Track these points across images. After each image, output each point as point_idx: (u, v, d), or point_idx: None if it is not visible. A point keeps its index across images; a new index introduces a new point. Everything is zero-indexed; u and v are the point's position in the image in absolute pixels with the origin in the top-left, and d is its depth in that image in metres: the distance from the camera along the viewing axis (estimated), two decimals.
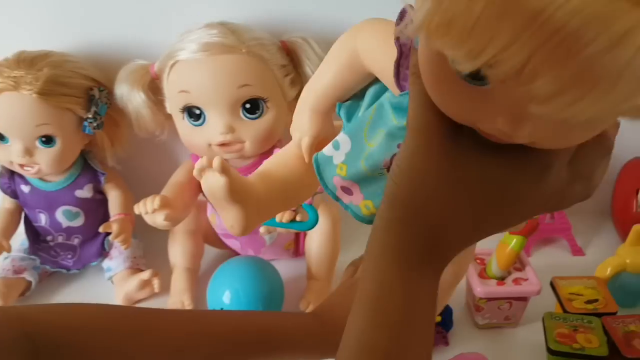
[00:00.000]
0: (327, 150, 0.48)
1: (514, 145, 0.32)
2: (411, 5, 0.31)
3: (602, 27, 0.23)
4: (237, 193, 0.46)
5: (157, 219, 0.77)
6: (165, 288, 0.89)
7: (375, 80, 0.46)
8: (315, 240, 0.89)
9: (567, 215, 0.99)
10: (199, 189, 0.88)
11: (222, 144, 0.80)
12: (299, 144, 0.51)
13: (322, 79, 0.48)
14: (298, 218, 0.74)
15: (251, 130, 0.80)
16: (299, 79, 0.83)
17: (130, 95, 0.82)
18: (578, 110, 0.26)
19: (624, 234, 0.95)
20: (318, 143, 0.50)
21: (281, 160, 0.54)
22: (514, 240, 0.78)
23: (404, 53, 0.39)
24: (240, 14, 0.83)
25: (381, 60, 0.42)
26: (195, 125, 0.80)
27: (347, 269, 0.68)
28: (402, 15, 0.37)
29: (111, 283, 0.93)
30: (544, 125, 0.29)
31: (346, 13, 0.86)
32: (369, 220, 0.47)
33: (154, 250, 0.97)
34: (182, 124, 0.81)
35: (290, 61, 0.83)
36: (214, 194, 0.47)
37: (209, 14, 0.80)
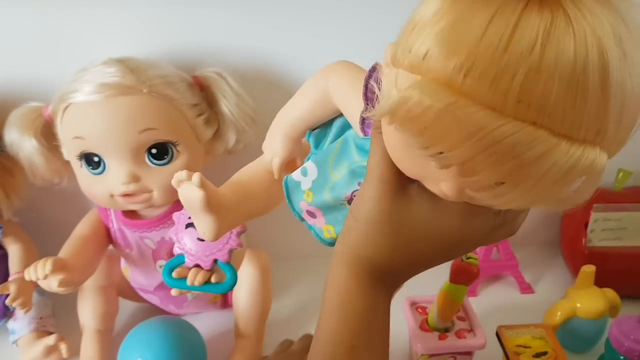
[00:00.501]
0: (296, 175, 0.54)
1: None
2: (380, 65, 0.40)
3: (526, 148, 0.30)
4: (212, 205, 0.51)
5: (52, 285, 0.67)
6: (77, 351, 0.80)
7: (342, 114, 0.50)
8: (243, 292, 0.81)
9: (514, 250, 0.93)
10: (106, 240, 0.79)
11: (126, 195, 0.70)
12: (270, 162, 0.57)
13: (296, 110, 0.54)
14: (213, 279, 0.66)
15: (159, 177, 0.71)
16: (215, 117, 0.75)
17: (21, 142, 0.72)
18: (504, 201, 0.34)
19: (574, 269, 0.90)
20: (288, 162, 0.57)
21: (252, 172, 0.59)
22: (455, 289, 0.72)
23: (370, 106, 0.44)
24: (147, 49, 0.74)
25: (349, 104, 0.47)
26: (95, 174, 0.71)
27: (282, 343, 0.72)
28: (373, 69, 0.44)
29: (17, 347, 0.82)
30: (479, 198, 0.35)
31: (260, 43, 0.80)
32: (329, 242, 0.54)
33: (66, 307, 0.87)
34: (81, 172, 0.72)
35: (204, 98, 0.74)
36: (191, 205, 0.52)
37: (112, 49, 0.71)
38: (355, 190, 0.48)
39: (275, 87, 0.82)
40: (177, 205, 0.76)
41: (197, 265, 0.66)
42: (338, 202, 0.51)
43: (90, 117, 0.67)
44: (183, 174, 0.50)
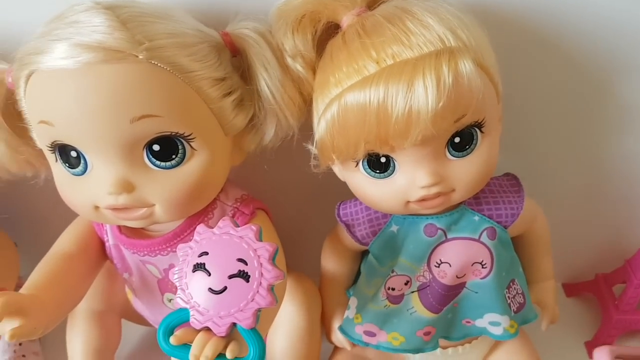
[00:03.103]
0: (345, 315, 0.59)
1: None
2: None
3: None
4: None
5: (4, 332, 0.46)
6: None
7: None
8: (280, 336, 0.58)
9: None
10: (100, 257, 0.57)
11: (115, 209, 0.48)
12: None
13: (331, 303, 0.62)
14: (229, 355, 0.43)
15: (164, 186, 0.48)
16: (250, 98, 0.51)
17: None
18: None
19: None
20: None
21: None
22: None
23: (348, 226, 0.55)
24: None
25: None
26: (74, 175, 0.48)
27: None
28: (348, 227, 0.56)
29: None
30: None
31: None
32: (403, 350, 0.57)
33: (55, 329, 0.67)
34: (57, 168, 0.50)
35: (236, 69, 0.50)
36: None
37: None
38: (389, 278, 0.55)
39: None
40: (194, 220, 0.53)
41: (207, 328, 0.43)
42: (381, 305, 0.56)
43: (61, 92, 0.44)
44: None
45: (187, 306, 0.44)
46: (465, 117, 0.44)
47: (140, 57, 0.43)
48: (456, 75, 0.41)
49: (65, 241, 0.56)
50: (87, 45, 0.43)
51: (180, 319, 0.44)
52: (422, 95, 0.41)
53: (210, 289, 0.43)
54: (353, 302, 0.58)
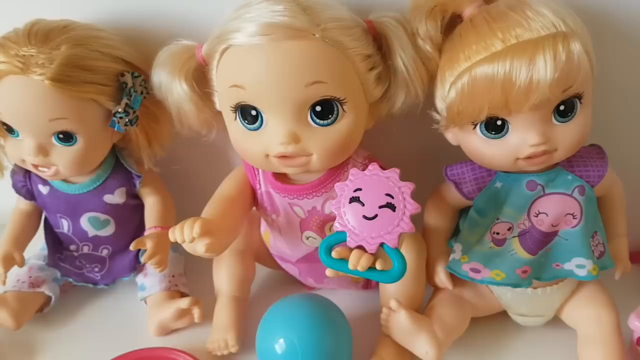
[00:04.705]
0: (450, 257, 0.69)
1: None
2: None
3: None
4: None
5: (198, 249, 0.60)
6: (208, 316, 0.73)
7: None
8: (393, 284, 0.70)
9: None
10: (251, 202, 0.70)
11: (283, 156, 0.61)
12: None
13: (434, 252, 0.73)
14: (378, 266, 0.56)
15: (321, 140, 0.60)
16: (386, 73, 0.63)
17: (171, 85, 0.64)
18: None
19: None
20: None
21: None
22: None
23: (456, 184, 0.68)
24: None
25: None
26: (250, 130, 0.61)
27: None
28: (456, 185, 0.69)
29: (145, 303, 0.77)
30: None
31: None
32: (504, 283, 0.67)
33: (198, 266, 0.80)
34: (234, 126, 0.63)
35: (378, 50, 0.63)
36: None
37: None
38: (495, 224, 0.66)
39: None
40: (333, 173, 0.65)
41: (360, 247, 0.56)
42: (485, 246, 0.67)
43: (254, 63, 0.57)
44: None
45: (344, 229, 0.56)
46: (571, 88, 0.56)
47: (317, 36, 0.56)
48: (568, 53, 0.53)
49: (227, 187, 0.69)
50: (276, 25, 0.56)
51: (337, 239, 0.57)
52: (542, 68, 0.52)
53: (364, 216, 0.56)
54: (458, 247, 0.68)
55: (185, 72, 0.63)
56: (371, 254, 0.55)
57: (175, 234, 0.59)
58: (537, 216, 0.64)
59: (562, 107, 0.58)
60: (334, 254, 0.56)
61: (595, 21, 0.62)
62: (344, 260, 0.56)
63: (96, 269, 0.78)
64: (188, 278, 0.81)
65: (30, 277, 0.76)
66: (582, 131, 0.59)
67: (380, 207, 0.55)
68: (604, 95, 0.67)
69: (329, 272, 0.58)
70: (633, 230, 0.73)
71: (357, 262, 0.55)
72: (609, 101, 0.72)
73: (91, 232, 0.75)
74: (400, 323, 0.65)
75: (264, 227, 0.76)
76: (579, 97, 0.58)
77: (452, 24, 0.63)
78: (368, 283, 0.78)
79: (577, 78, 0.55)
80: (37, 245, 0.79)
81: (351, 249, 0.56)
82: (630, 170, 0.73)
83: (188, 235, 0.58)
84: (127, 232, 0.77)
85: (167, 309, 0.73)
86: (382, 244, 0.55)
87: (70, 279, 0.78)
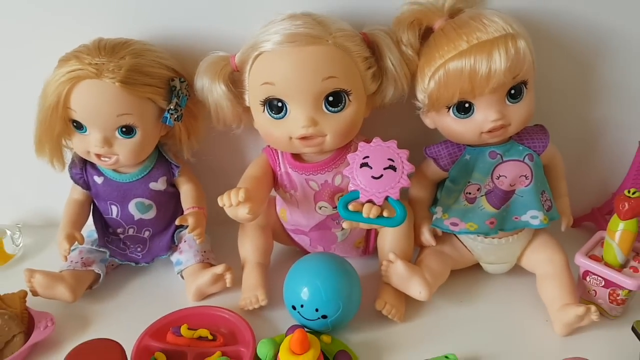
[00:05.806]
0: (434, 217, 0.88)
1: None
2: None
3: None
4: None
5: (240, 212, 0.75)
6: (235, 283, 0.88)
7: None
8: (389, 237, 0.87)
9: None
10: (272, 183, 0.87)
11: (304, 137, 0.78)
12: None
13: (419, 217, 0.91)
14: (385, 214, 0.73)
15: (333, 123, 0.78)
16: (379, 72, 0.82)
17: (211, 87, 0.81)
18: None
19: None
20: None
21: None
22: (631, 224, 0.77)
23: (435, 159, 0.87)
24: (319, 5, 0.81)
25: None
26: (276, 119, 0.79)
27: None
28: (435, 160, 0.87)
29: (180, 277, 0.92)
30: None
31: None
32: (477, 232, 0.86)
33: (220, 245, 0.97)
34: (262, 117, 0.80)
35: (372, 54, 0.81)
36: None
37: (289, 6, 0.79)
38: (467, 186, 0.85)
39: None
40: (340, 152, 0.83)
41: (370, 201, 0.73)
42: (461, 205, 0.85)
43: (281, 64, 0.75)
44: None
45: (357, 188, 0.74)
46: (519, 76, 0.75)
47: (329, 42, 0.75)
48: (516, 49, 0.73)
49: (253, 170, 0.85)
50: (297, 34, 0.74)
51: (351, 197, 0.74)
52: (498, 60, 0.72)
53: (372, 176, 0.73)
54: (439, 209, 0.85)
55: (222, 76, 0.80)
56: (379, 205, 0.73)
57: (223, 200, 0.75)
58: (498, 178, 0.83)
59: (512, 91, 0.77)
60: (350, 207, 0.74)
61: (530, 28, 0.83)
62: (358, 212, 0.73)
63: (138, 249, 0.92)
64: (215, 254, 0.96)
65: (82, 258, 0.89)
66: (528, 110, 0.79)
67: (385, 168, 0.73)
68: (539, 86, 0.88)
69: (345, 224, 0.75)
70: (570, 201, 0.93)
71: (369, 212, 0.72)
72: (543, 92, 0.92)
73: (137, 215, 0.90)
74: (397, 271, 0.82)
75: (279, 206, 0.92)
76: (524, 83, 0.78)
77: (426, 33, 0.82)
78: (366, 250, 0.95)
79: (523, 67, 0.75)
80: (85, 234, 0.93)
81: (363, 204, 0.73)
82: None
83: (235, 199, 0.74)
84: (166, 215, 0.92)
85: (204, 276, 0.87)
86: (387, 197, 0.73)
87: (116, 259, 0.92)
